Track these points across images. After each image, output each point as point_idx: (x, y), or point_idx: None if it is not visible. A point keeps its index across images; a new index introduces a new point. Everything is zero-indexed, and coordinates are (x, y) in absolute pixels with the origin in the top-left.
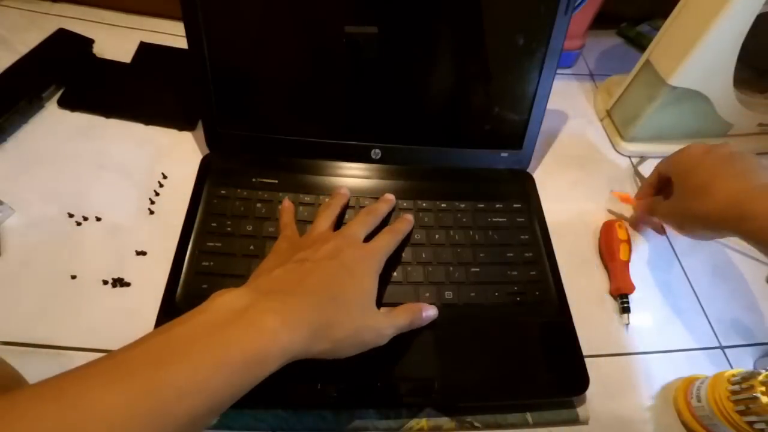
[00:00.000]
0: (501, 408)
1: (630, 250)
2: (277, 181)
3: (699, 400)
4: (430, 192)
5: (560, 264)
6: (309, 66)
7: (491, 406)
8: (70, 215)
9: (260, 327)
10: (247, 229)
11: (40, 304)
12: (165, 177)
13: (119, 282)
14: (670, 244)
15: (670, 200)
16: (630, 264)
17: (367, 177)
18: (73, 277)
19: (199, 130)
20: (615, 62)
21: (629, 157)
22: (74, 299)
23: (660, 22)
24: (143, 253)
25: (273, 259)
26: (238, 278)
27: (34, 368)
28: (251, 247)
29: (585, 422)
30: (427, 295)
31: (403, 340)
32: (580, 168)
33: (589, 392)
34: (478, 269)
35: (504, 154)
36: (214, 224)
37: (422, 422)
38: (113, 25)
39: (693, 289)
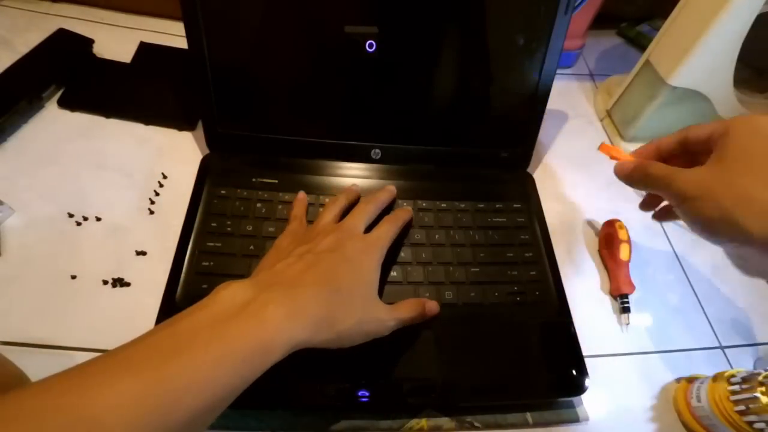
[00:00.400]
0: (501, 408)
1: (630, 250)
2: (277, 181)
3: (699, 400)
4: (430, 192)
5: (560, 264)
6: (309, 66)
7: (491, 406)
8: (70, 215)
9: (263, 319)
10: (247, 229)
11: (40, 304)
12: (165, 177)
13: (119, 282)
14: (670, 244)
15: (708, 168)
16: (630, 264)
17: (367, 177)
18: (73, 277)
19: (199, 130)
20: (615, 62)
21: None
22: (74, 299)
23: (660, 22)
24: (143, 253)
25: (274, 254)
26: (239, 278)
27: (34, 368)
28: (251, 247)
29: (585, 422)
30: (427, 295)
31: (404, 340)
32: (580, 168)
33: (589, 392)
34: (478, 269)
35: (504, 154)
36: (214, 224)
37: (422, 422)
38: (113, 25)
39: (693, 289)
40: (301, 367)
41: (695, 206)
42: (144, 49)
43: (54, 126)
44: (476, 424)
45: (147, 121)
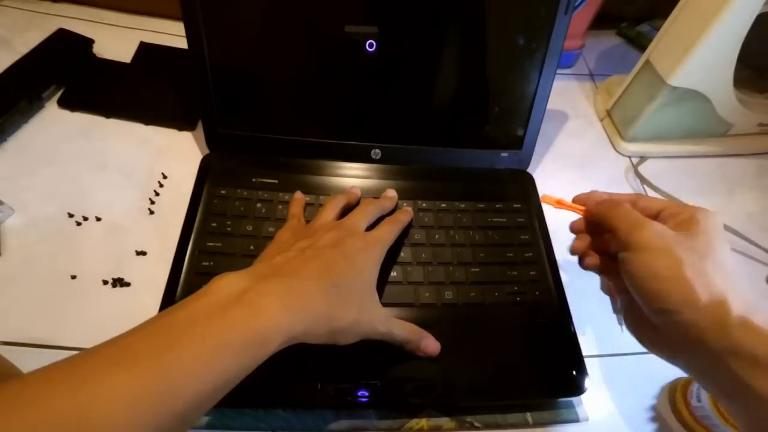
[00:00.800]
0: (501, 408)
1: None
2: (277, 181)
3: (699, 400)
4: (430, 192)
5: (560, 264)
6: (309, 66)
7: (491, 406)
8: (70, 215)
9: (259, 308)
10: (247, 229)
11: (40, 304)
12: (165, 177)
13: (119, 282)
14: None
15: (677, 233)
16: None
17: (367, 177)
18: (73, 277)
19: (199, 130)
20: (615, 62)
21: (629, 157)
22: (74, 299)
23: (660, 22)
24: (143, 253)
25: (274, 248)
26: None
27: (34, 368)
28: (251, 247)
29: (585, 422)
30: (427, 295)
31: None
32: (580, 168)
33: (589, 392)
34: (478, 269)
35: (504, 154)
36: (214, 224)
37: (422, 422)
38: (113, 25)
39: None
40: (300, 366)
41: (648, 258)
42: (144, 49)
43: (54, 126)
44: (476, 424)
45: (147, 121)
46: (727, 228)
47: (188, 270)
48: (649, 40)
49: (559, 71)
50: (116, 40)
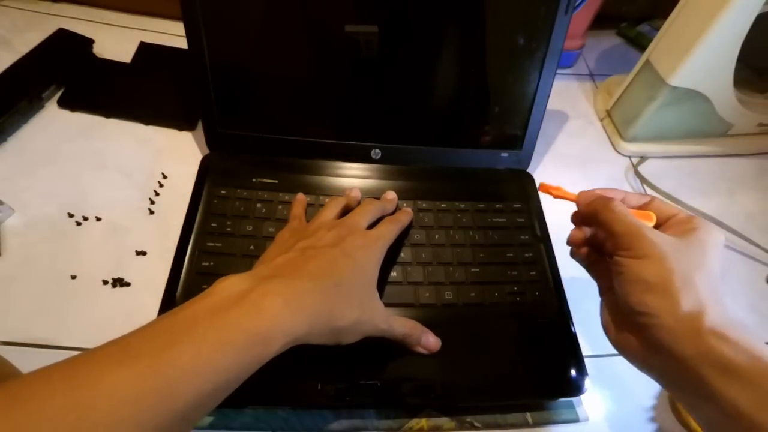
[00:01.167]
0: (501, 408)
1: None
2: (277, 181)
3: None
4: (430, 192)
5: (560, 264)
6: (309, 65)
7: (491, 406)
8: (70, 215)
9: (262, 308)
10: (247, 229)
11: (40, 304)
12: (165, 177)
13: (119, 282)
14: None
15: (674, 241)
16: None
17: (367, 177)
18: (73, 277)
19: (199, 130)
20: (615, 62)
21: (629, 157)
22: (74, 299)
23: (660, 22)
24: (143, 253)
25: (275, 249)
26: None
27: (34, 368)
28: (251, 247)
29: (585, 422)
30: (427, 295)
31: None
32: (580, 168)
33: (589, 392)
34: (478, 269)
35: (504, 154)
36: (214, 224)
37: (422, 422)
38: (113, 25)
39: None
40: (300, 366)
41: (641, 265)
42: (144, 49)
43: (54, 126)
44: (476, 424)
45: (147, 121)
46: (727, 228)
47: (188, 270)
48: (649, 40)
49: (559, 71)
50: (116, 40)
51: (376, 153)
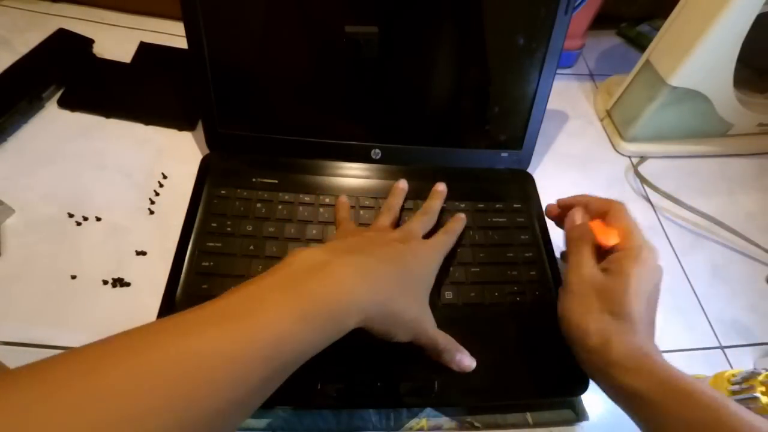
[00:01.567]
0: (501, 408)
1: None
2: (277, 181)
3: None
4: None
5: (560, 264)
6: (309, 65)
7: (491, 406)
8: (70, 215)
9: (340, 280)
10: (247, 229)
11: (40, 304)
12: (165, 177)
13: (119, 282)
14: (670, 243)
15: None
16: None
17: (367, 177)
18: (73, 277)
19: (199, 130)
20: (615, 62)
21: (629, 157)
22: (74, 299)
23: (660, 22)
24: (143, 253)
25: (342, 233)
26: (239, 278)
27: None
28: (251, 247)
29: (585, 422)
30: None
31: None
32: (580, 168)
33: (589, 392)
34: (478, 269)
35: (504, 154)
36: (214, 224)
37: (422, 422)
38: (113, 25)
39: (693, 289)
40: (301, 366)
41: (569, 300)
42: (144, 49)
43: (54, 126)
44: (476, 424)
45: (147, 121)
46: (727, 228)
47: (188, 270)
48: (649, 40)
49: (559, 71)
50: (116, 40)
51: (376, 153)
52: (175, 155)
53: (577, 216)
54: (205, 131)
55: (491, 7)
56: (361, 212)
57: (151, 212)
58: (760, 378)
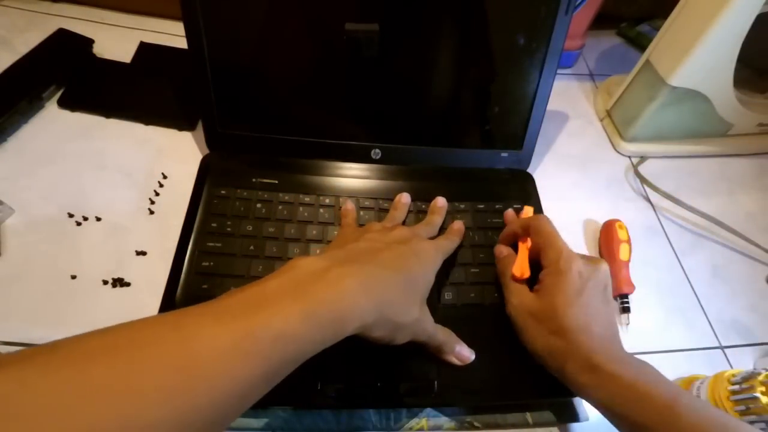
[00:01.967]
0: (501, 408)
1: (630, 250)
2: (277, 181)
3: None
4: (429, 192)
5: None
6: (309, 65)
7: (491, 406)
8: (70, 215)
9: (340, 287)
10: (247, 229)
11: (40, 304)
12: (165, 177)
13: (119, 282)
14: (670, 244)
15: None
16: (630, 264)
17: (368, 177)
18: (73, 277)
19: (199, 130)
20: (615, 62)
21: (629, 157)
22: (74, 299)
23: (660, 22)
24: (143, 253)
25: (341, 240)
26: (238, 278)
27: None
28: (251, 247)
29: (585, 422)
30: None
31: None
32: (580, 168)
33: None
34: (477, 270)
35: (504, 155)
36: (214, 224)
37: (422, 422)
38: (113, 25)
39: (693, 289)
40: (300, 366)
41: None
42: (144, 49)
43: (54, 126)
44: (476, 424)
45: (147, 121)
46: (727, 228)
47: (188, 270)
48: (649, 40)
49: (559, 71)
50: (116, 40)
51: (376, 153)
52: (175, 155)
53: (502, 248)
54: (205, 131)
55: (492, 7)
56: (361, 213)
57: (151, 212)
58: (760, 378)
